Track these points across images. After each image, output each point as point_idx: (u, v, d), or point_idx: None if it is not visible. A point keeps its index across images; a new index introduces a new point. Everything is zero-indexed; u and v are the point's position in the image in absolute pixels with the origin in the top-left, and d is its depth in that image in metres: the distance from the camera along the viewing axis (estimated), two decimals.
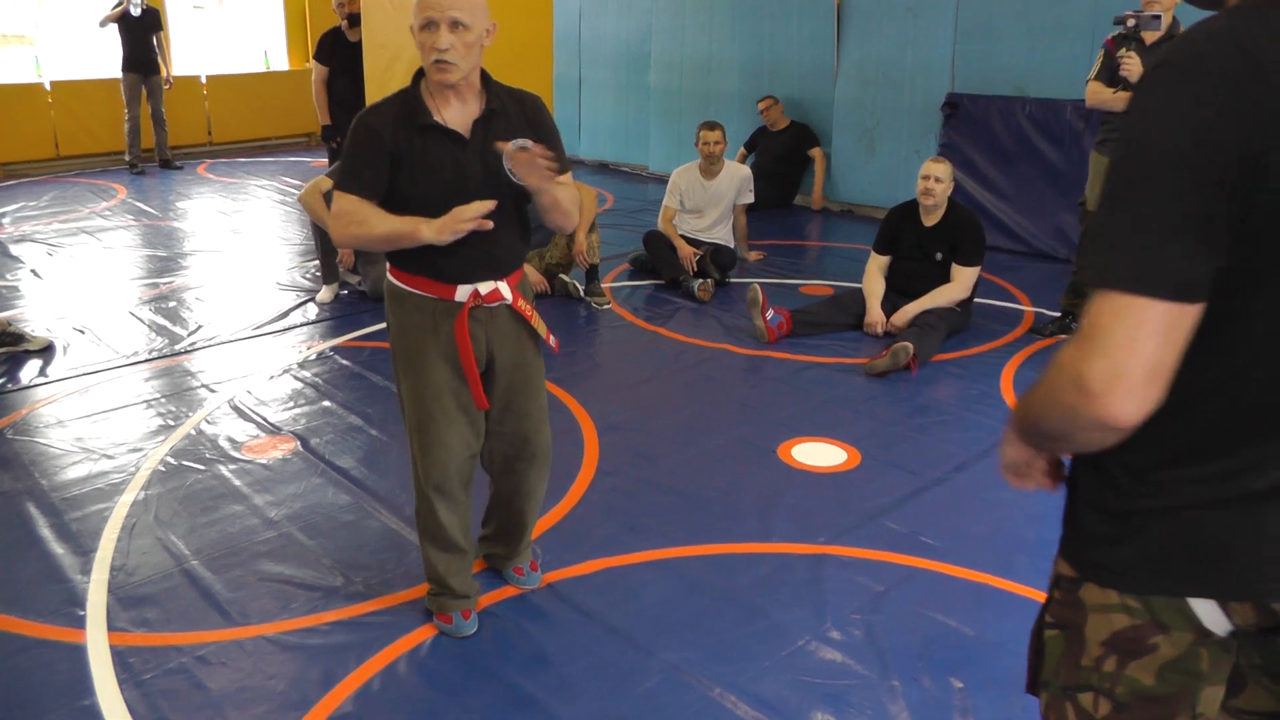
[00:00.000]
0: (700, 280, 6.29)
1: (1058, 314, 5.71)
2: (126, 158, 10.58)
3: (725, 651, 2.90)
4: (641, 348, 5.46)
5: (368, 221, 2.60)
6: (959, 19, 7.92)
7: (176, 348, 5.37)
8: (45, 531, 3.52)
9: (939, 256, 5.52)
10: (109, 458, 4.08)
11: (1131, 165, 1.18)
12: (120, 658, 2.86)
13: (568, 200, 2.74)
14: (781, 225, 8.48)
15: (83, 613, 3.07)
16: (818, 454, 4.17)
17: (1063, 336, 5.57)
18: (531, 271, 5.93)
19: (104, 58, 10.78)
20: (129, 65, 10.11)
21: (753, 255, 7.25)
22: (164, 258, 7.27)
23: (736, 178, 6.67)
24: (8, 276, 6.70)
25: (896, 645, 2.93)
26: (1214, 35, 1.16)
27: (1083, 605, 1.36)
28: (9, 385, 4.82)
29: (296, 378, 4.96)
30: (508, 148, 2.52)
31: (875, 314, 5.57)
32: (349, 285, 6.30)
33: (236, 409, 4.57)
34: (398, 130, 2.60)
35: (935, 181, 5.42)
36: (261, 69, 12.93)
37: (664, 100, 10.37)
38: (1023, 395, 1.35)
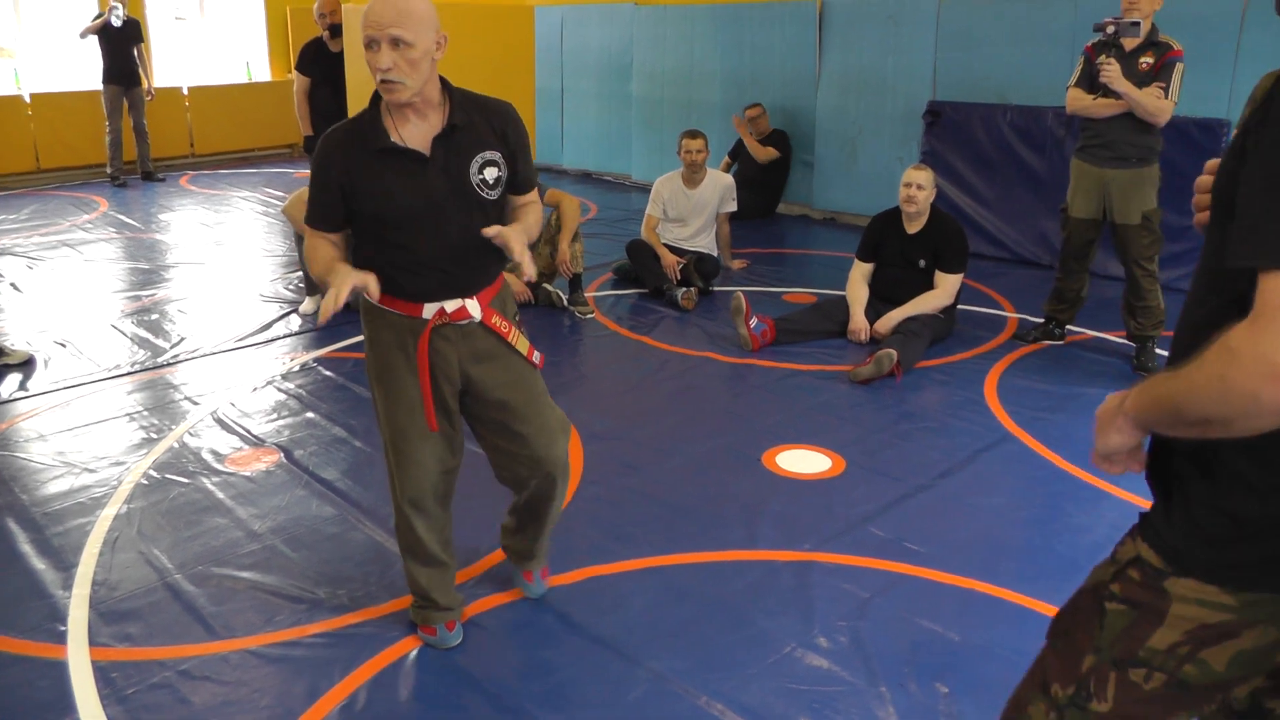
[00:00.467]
0: (684, 289, 6.29)
1: (1041, 320, 5.73)
2: (108, 170, 10.54)
3: (712, 659, 2.90)
4: (625, 357, 5.46)
5: (314, 255, 2.62)
6: (940, 27, 7.96)
7: (159, 360, 5.34)
8: (26, 547, 3.50)
9: (922, 263, 5.54)
10: (91, 471, 4.05)
11: None
12: (102, 673, 2.83)
13: (536, 230, 2.70)
14: (765, 233, 8.51)
15: (64, 628, 3.04)
16: (803, 461, 4.18)
17: (1047, 342, 5.60)
18: (514, 280, 5.89)
19: (85, 70, 10.74)
20: (110, 77, 10.07)
21: (736, 264, 7.26)
22: (146, 270, 7.24)
23: (719, 186, 6.69)
24: None
25: (883, 651, 2.93)
26: None
27: (1167, 594, 1.40)
28: None
29: (280, 389, 4.94)
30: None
31: (859, 321, 5.58)
32: None
33: (220, 421, 4.55)
34: (349, 157, 2.55)
35: (918, 189, 5.44)
36: (243, 80, 12.90)
37: (646, 109, 10.39)
38: (1157, 382, 1.32)
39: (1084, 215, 5.23)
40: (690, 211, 6.67)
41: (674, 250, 6.60)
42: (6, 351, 5.20)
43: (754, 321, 5.48)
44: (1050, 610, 3.12)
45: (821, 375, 5.14)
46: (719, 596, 3.22)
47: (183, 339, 5.68)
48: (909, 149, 8.27)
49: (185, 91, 11.88)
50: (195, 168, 11.81)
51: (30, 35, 11.32)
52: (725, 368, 5.28)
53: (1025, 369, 5.23)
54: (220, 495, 3.87)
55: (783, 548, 3.50)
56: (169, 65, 12.18)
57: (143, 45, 10.36)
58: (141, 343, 5.61)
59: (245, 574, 3.33)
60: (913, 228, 5.56)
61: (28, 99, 10.68)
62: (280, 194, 10.04)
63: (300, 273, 6.34)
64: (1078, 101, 5.12)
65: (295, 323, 5.94)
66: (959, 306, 5.75)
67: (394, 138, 2.55)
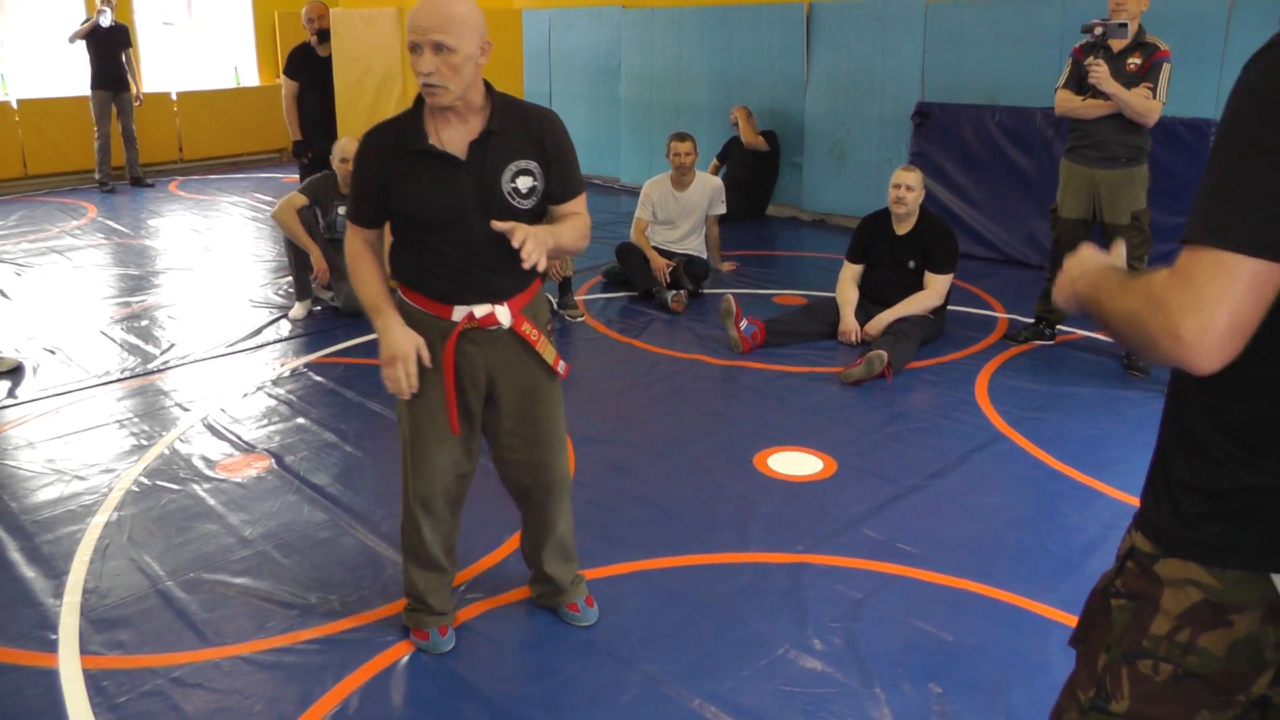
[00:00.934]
0: (673, 291, 6.29)
1: (1031, 320, 5.75)
2: (97, 176, 10.50)
3: (705, 662, 2.90)
4: (616, 360, 5.45)
5: (360, 276, 2.70)
6: (928, 28, 7.98)
7: (149, 367, 5.32)
8: (15, 555, 3.48)
9: (912, 264, 5.55)
10: (81, 479, 4.04)
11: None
12: (94, 681, 2.82)
13: (571, 240, 2.70)
14: (755, 235, 8.51)
15: (55, 637, 3.02)
16: (794, 463, 4.18)
17: (1037, 342, 5.61)
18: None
19: (72, 75, 10.70)
20: (98, 82, 10.04)
21: (726, 266, 7.26)
22: (135, 276, 7.21)
23: (708, 189, 6.69)
24: None
25: (876, 652, 2.94)
26: None
27: (1158, 579, 1.42)
28: None
29: (270, 395, 4.92)
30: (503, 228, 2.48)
31: (849, 322, 5.59)
32: (322, 301, 6.27)
33: (210, 427, 4.54)
34: (387, 156, 2.58)
35: (907, 190, 5.45)
36: (232, 85, 12.87)
37: (635, 112, 10.40)
38: (1105, 282, 1.40)
39: (1074, 215, 5.24)
40: (679, 214, 6.67)
41: (663, 253, 6.60)
42: None
43: (744, 324, 5.48)
44: (1044, 609, 3.14)
45: (812, 377, 5.14)
46: (711, 599, 3.22)
47: (173, 345, 5.66)
48: (898, 150, 8.28)
49: (174, 96, 11.84)
50: (184, 173, 11.78)
51: (17, 40, 11.28)
52: (716, 370, 5.28)
53: (1016, 369, 5.24)
54: (211, 501, 3.86)
55: (775, 550, 3.50)
56: (157, 70, 12.14)
57: (131, 50, 10.32)
58: (131, 349, 5.60)
59: (237, 580, 3.32)
60: (902, 229, 5.57)
61: (15, 105, 10.63)
62: (269, 199, 10.01)
63: (290, 277, 6.32)
64: (1066, 103, 5.14)
65: (285, 328, 5.93)
66: (949, 307, 5.76)
67: (432, 139, 2.56)
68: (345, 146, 5.90)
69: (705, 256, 6.81)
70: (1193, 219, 1.25)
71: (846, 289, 5.72)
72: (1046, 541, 3.56)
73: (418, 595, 2.95)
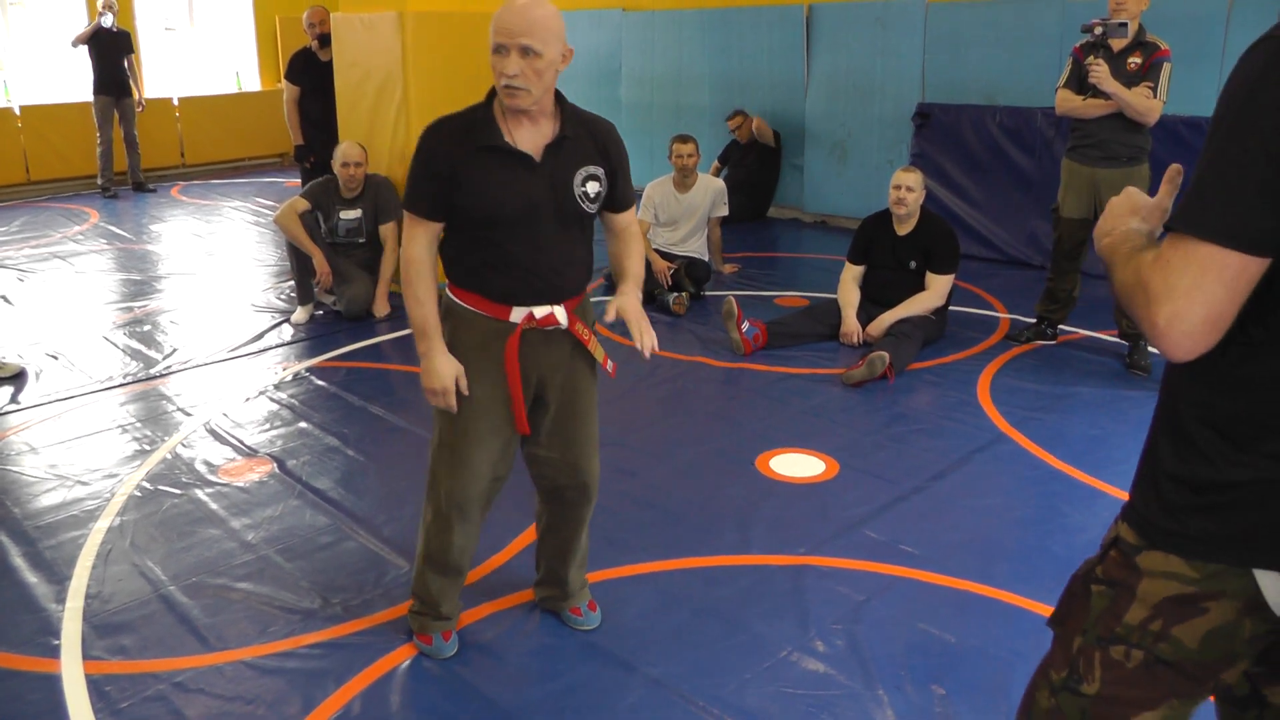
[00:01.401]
0: (675, 294, 6.30)
1: (1033, 320, 5.74)
2: (99, 181, 10.52)
3: (707, 665, 2.90)
4: (617, 362, 5.43)
5: (414, 293, 2.66)
6: (928, 29, 7.98)
7: (151, 372, 5.33)
8: (18, 560, 3.48)
9: (913, 265, 5.54)
10: (83, 484, 4.04)
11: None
12: (96, 687, 2.82)
13: (639, 274, 2.84)
14: (756, 237, 8.51)
15: (57, 642, 3.03)
16: (796, 465, 4.18)
17: (1039, 343, 5.61)
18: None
19: (75, 81, 10.72)
20: (100, 88, 10.06)
21: (728, 268, 7.27)
22: (138, 281, 7.22)
23: (710, 190, 6.69)
24: None
25: (878, 654, 2.93)
26: None
27: (1138, 569, 1.45)
28: None
29: (273, 399, 4.93)
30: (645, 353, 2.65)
31: (850, 324, 5.59)
32: (324, 306, 6.28)
33: (212, 432, 4.54)
34: (455, 149, 2.57)
35: (907, 191, 5.45)
36: (233, 90, 12.90)
37: (636, 114, 10.40)
38: (1125, 249, 1.43)
39: (1075, 215, 5.24)
40: (681, 216, 6.68)
41: (665, 255, 6.60)
42: None
43: (746, 325, 5.48)
44: (1046, 610, 3.13)
45: (814, 379, 5.14)
46: (714, 601, 3.21)
47: (175, 350, 5.66)
48: (898, 151, 8.28)
49: (175, 102, 11.87)
50: (186, 178, 11.80)
51: (19, 47, 11.31)
52: (717, 372, 5.28)
53: (1018, 369, 5.24)
54: (213, 506, 3.86)
55: (777, 552, 3.50)
56: (159, 76, 12.17)
57: (133, 56, 10.35)
58: (134, 354, 5.60)
59: (239, 585, 3.32)
60: (903, 229, 5.57)
61: (17, 111, 10.66)
62: (272, 203, 10.02)
63: (292, 282, 6.33)
64: (1067, 102, 5.14)
65: (287, 332, 5.93)
66: (951, 308, 5.76)
67: (507, 138, 2.57)
68: (346, 151, 5.92)
69: (707, 258, 6.81)
70: (1177, 206, 1.28)
71: (848, 290, 5.72)
72: (1048, 542, 3.56)
73: (430, 600, 2.93)
